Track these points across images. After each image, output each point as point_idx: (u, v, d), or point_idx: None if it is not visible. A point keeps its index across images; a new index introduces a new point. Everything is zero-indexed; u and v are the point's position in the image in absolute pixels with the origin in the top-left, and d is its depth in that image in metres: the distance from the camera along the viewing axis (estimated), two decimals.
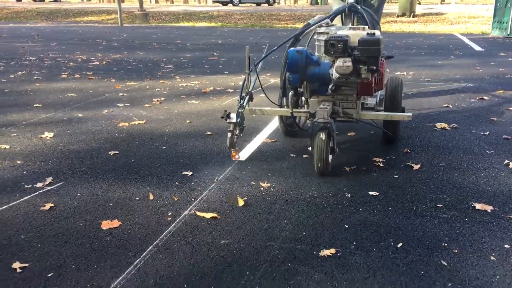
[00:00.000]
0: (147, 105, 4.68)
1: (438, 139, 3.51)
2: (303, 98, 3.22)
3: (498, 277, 1.82)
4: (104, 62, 7.65)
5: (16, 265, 1.92)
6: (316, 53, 3.25)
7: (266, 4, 30.29)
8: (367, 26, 3.01)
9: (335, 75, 2.80)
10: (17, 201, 2.50)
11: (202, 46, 10.19)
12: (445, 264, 1.91)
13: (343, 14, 3.57)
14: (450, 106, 4.51)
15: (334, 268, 1.88)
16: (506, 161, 3.02)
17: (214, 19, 20.38)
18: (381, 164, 3.00)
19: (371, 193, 2.58)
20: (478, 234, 2.14)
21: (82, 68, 7.06)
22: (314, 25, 3.20)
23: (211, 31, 14.76)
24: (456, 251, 2.00)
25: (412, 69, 6.88)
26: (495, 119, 4.04)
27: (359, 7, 3.41)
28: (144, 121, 4.09)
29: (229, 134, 2.91)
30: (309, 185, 2.70)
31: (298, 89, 3.17)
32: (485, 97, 4.87)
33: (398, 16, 18.59)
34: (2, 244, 2.08)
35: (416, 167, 2.95)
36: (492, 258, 1.95)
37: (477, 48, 9.49)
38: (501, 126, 3.81)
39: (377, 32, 2.79)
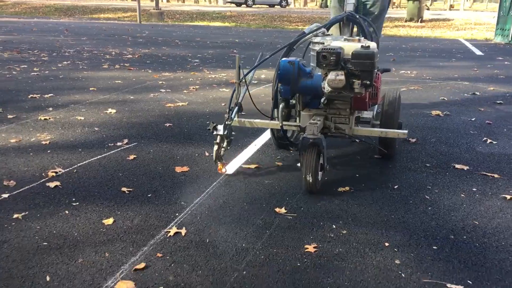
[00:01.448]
0: (185, 91, 5.46)
1: (432, 122, 4.27)
2: (296, 110, 3.06)
3: (464, 205, 2.58)
4: (136, 56, 8.46)
5: (124, 189, 2.70)
6: (312, 64, 3.23)
7: (279, 6, 31.13)
8: (363, 38, 2.93)
9: (327, 88, 2.69)
10: (108, 153, 3.29)
11: (221, 44, 10.97)
12: (428, 197, 2.67)
13: (341, 23, 3.44)
14: (446, 99, 5.27)
15: (348, 198, 2.66)
16: (485, 138, 3.78)
17: (227, 19, 21.18)
18: None
19: (376, 156, 3.34)
20: (454, 182, 2.91)
21: (118, 60, 7.87)
22: (309, 34, 3.10)
23: (226, 31, 15.56)
24: (437, 191, 2.77)
25: (416, 68, 7.64)
26: (482, 109, 4.79)
27: (357, 16, 3.31)
28: (186, 103, 4.87)
29: (215, 147, 2.82)
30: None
31: (291, 101, 3.05)
32: (477, 93, 5.62)
33: (406, 21, 19.32)
34: (107, 179, 2.86)
35: (412, 140, 3.72)
36: (462, 195, 2.71)
37: (478, 52, 10.22)
38: (486, 114, 4.57)
39: (373, 45, 2.69)
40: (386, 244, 2.17)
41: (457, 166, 3.17)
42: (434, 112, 4.62)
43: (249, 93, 3.07)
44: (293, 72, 2.80)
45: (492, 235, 2.28)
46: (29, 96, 4.95)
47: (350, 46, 2.68)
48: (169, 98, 5.10)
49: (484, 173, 3.05)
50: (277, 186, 2.81)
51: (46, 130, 3.80)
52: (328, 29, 3.26)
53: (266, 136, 3.77)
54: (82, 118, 4.20)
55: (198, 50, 9.72)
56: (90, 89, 5.45)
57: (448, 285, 1.87)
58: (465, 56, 9.43)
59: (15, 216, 2.36)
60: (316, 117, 2.87)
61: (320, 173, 2.73)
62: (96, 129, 3.88)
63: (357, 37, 2.85)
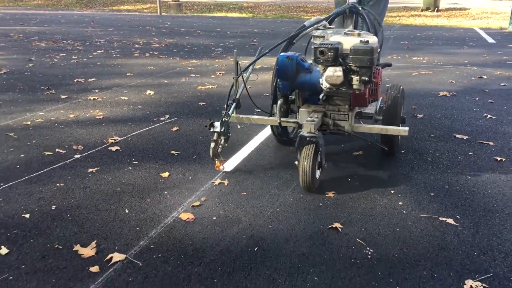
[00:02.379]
0: (213, 76, 5.98)
1: (439, 101, 4.72)
2: (296, 106, 3.01)
3: (460, 165, 3.06)
4: (163, 45, 9.00)
5: (173, 152, 3.23)
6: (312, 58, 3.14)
7: None
8: (363, 32, 2.85)
9: (324, 85, 2.62)
10: (154, 126, 3.82)
11: (241, 34, 11.44)
12: (429, 159, 3.15)
13: (344, 15, 3.35)
14: (454, 82, 5.69)
15: (361, 159, 3.15)
16: (485, 114, 4.22)
17: (244, 10, 21.58)
18: None
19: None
20: (453, 148, 3.37)
21: (147, 49, 8.41)
22: (310, 27, 3.00)
23: (244, 21, 16.00)
24: (438, 154, 3.24)
25: (428, 55, 8.03)
26: (487, 90, 5.21)
27: (360, 7, 3.19)
28: (216, 86, 5.39)
29: (212, 144, 2.79)
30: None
31: (290, 96, 3.03)
32: (483, 76, 6.02)
33: (422, 11, 19.52)
34: (157, 144, 3.39)
35: (420, 116, 4.18)
36: (459, 158, 3.18)
37: (490, 40, 10.52)
38: (489, 95, 4.99)
39: (372, 40, 2.62)
40: (392, 191, 2.66)
41: (458, 136, 3.63)
42: (441, 93, 5.06)
43: (246, 89, 3.00)
44: (291, 68, 2.75)
45: (481, 186, 2.75)
46: (75, 80, 5.51)
47: (349, 41, 2.60)
48: (199, 81, 5.62)
49: (481, 141, 3.51)
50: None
51: (97, 107, 4.36)
52: (330, 22, 3.20)
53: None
54: (126, 98, 4.74)
55: (219, 39, 10.21)
56: (127, 74, 6.00)
57: (440, 218, 2.36)
58: (477, 44, 9.76)
59: (90, 170, 2.91)
60: (314, 114, 2.81)
61: (318, 171, 2.68)
62: (140, 107, 4.42)
63: (357, 31, 2.76)
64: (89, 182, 2.74)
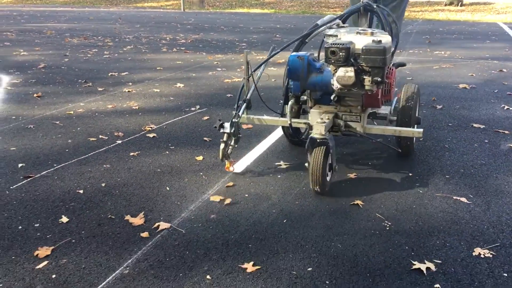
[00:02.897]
0: (238, 70, 6.23)
1: (458, 93, 4.87)
2: (308, 106, 2.98)
3: (475, 151, 3.24)
4: (189, 41, 9.30)
5: (205, 138, 3.50)
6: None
7: None
8: (377, 30, 2.81)
9: (336, 85, 2.58)
10: (186, 115, 4.10)
11: (263, 29, 11.67)
12: (447, 146, 3.34)
13: (358, 13, 3.26)
14: (474, 75, 5.82)
15: (382, 146, 3.36)
16: (503, 105, 4.37)
17: (266, 5, 21.78)
18: None
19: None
20: (470, 136, 3.55)
21: (174, 44, 8.72)
22: (323, 26, 2.95)
23: (266, 17, 16.21)
24: (455, 142, 3.43)
25: (450, 49, 8.12)
26: (506, 83, 5.34)
27: (374, 6, 3.11)
28: (242, 79, 5.63)
29: (222, 145, 2.74)
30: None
31: (302, 97, 2.98)
32: (503, 70, 6.13)
33: (445, 5, 19.40)
34: (190, 132, 3.66)
35: (439, 107, 4.35)
36: (475, 145, 3.36)
37: None
38: (508, 87, 5.12)
39: (385, 39, 2.58)
40: (410, 174, 2.87)
41: (475, 125, 3.80)
42: (461, 85, 5.20)
43: (257, 90, 2.97)
44: (302, 68, 2.71)
45: (495, 170, 2.93)
46: (109, 74, 5.84)
47: (361, 40, 2.55)
48: (225, 75, 5.88)
49: (497, 130, 3.68)
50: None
51: (132, 99, 4.66)
52: (344, 21, 3.15)
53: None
54: (158, 90, 5.03)
55: (243, 35, 10.46)
56: (157, 68, 6.30)
57: (454, 197, 2.56)
58: (500, 38, 9.77)
59: (131, 154, 3.19)
60: (325, 115, 2.75)
61: (329, 173, 2.63)
62: (171, 98, 4.70)
63: (371, 30, 2.71)
64: (132, 164, 3.02)
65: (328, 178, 2.62)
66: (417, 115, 3.12)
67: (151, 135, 3.56)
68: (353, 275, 1.90)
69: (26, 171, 2.88)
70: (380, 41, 2.48)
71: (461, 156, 3.16)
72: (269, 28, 11.96)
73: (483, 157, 3.13)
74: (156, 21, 13.93)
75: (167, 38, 9.66)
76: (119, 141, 3.43)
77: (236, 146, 2.85)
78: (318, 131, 2.55)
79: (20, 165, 2.97)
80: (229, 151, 2.81)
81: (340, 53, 2.45)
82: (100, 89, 5.06)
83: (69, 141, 3.42)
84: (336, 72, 2.56)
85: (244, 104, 2.91)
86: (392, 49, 2.80)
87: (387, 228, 2.25)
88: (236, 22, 13.87)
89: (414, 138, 3.11)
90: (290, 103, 2.91)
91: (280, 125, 3.10)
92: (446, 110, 4.28)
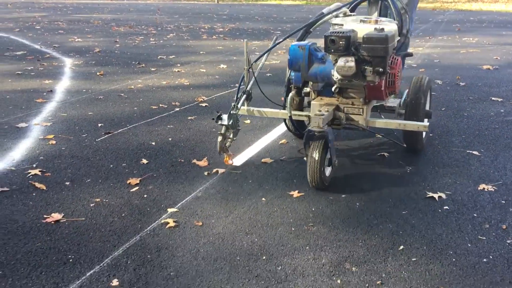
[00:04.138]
0: (275, 54, 6.72)
1: (482, 73, 5.23)
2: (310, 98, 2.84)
3: (491, 118, 3.67)
4: (226, 29, 9.85)
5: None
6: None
7: None
8: (383, 18, 2.74)
9: (336, 76, 2.47)
10: (230, 90, 4.63)
11: (296, 19, 12.10)
12: (465, 114, 3.77)
13: (368, 2, 3.17)
14: (499, 58, 6.14)
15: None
16: None
17: None
18: (440, 83, 4.81)
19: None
20: (487, 106, 3.96)
21: (213, 32, 9.28)
22: (328, 15, 2.84)
23: (298, 8, 16.61)
24: (473, 111, 3.85)
25: (478, 36, 8.39)
26: None
27: None
28: (279, 61, 6.13)
29: (220, 138, 2.64)
30: None
31: (305, 88, 2.85)
32: None
33: None
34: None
35: (462, 84, 4.75)
36: (492, 113, 3.78)
37: None
38: None
39: (389, 27, 2.49)
40: (430, 135, 3.31)
41: (493, 98, 4.20)
42: (485, 67, 5.56)
43: (256, 80, 2.90)
44: (303, 58, 2.59)
45: (506, 132, 3.35)
46: (158, 57, 6.44)
47: (363, 28, 2.46)
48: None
49: None
50: None
51: (182, 77, 5.22)
52: (353, 9, 3.06)
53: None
54: (204, 70, 5.58)
55: (277, 24, 10.93)
56: (200, 52, 6.87)
57: (467, 150, 3.01)
58: None
59: (189, 118, 3.74)
60: (325, 107, 2.63)
61: (328, 168, 2.55)
62: (217, 77, 5.24)
63: (375, 18, 2.64)
64: (191, 125, 3.57)
65: (327, 173, 2.52)
66: (428, 108, 2.98)
67: (203, 105, 4.11)
68: (378, 200, 2.39)
69: (105, 129, 3.46)
70: (382, 29, 2.39)
71: (477, 121, 3.58)
72: (302, 18, 12.38)
73: (497, 123, 3.54)
74: (193, 12, 14.54)
75: (206, 27, 10.23)
76: (177, 109, 3.99)
77: (235, 139, 2.76)
78: (316, 124, 2.42)
79: (99, 124, 3.56)
80: (227, 144, 2.72)
81: (340, 42, 2.34)
82: (152, 69, 5.65)
83: (135, 108, 4.00)
84: (337, 62, 2.45)
85: (244, 96, 2.83)
86: (398, 38, 2.65)
87: (408, 172, 2.71)
88: (269, 13, 14.33)
89: (424, 133, 2.95)
90: (290, 94, 2.79)
91: (281, 117, 2.97)
92: (468, 86, 4.67)
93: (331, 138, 2.46)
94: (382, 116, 2.97)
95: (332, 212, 2.28)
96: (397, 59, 2.62)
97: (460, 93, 4.41)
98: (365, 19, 2.63)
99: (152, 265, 1.87)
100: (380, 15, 3.16)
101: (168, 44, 7.73)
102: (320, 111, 2.58)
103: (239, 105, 2.78)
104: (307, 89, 2.85)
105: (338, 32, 2.36)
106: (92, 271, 1.83)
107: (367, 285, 1.75)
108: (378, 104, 2.94)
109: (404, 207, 2.31)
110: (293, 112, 2.82)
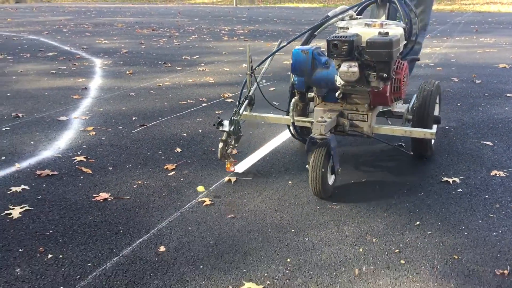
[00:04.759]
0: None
1: (497, 72, 5.37)
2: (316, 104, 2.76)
3: (505, 113, 3.82)
4: (246, 31, 10.10)
5: (274, 102, 4.24)
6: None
7: None
8: (391, 22, 2.68)
9: (339, 81, 2.42)
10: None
11: (314, 21, 12.26)
12: (481, 109, 3.93)
13: (376, 4, 3.07)
14: None
15: None
16: None
17: (315, 0, 22.31)
18: (456, 80, 4.97)
19: (447, 90, 4.58)
20: (502, 102, 4.12)
21: (233, 34, 9.54)
22: (333, 18, 2.77)
23: (316, 11, 16.80)
24: (488, 106, 4.01)
25: (495, 37, 8.49)
26: None
27: None
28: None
29: (221, 144, 2.58)
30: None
31: (309, 93, 2.77)
32: None
33: None
34: (260, 99, 4.42)
35: (478, 81, 4.91)
36: (506, 108, 3.93)
37: None
38: None
39: (394, 31, 2.43)
40: (446, 127, 3.49)
41: (508, 95, 4.34)
42: (501, 65, 5.69)
43: (258, 85, 2.84)
44: (306, 62, 2.55)
45: None
46: (183, 57, 6.71)
47: (367, 32, 2.40)
48: (284, 58, 6.60)
49: None
50: None
51: (207, 75, 5.47)
52: (360, 13, 3.01)
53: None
54: (227, 69, 5.83)
55: (295, 26, 11.14)
56: (223, 53, 7.12)
57: (481, 141, 3.18)
58: None
59: (216, 112, 3.98)
60: (328, 113, 2.59)
61: (332, 177, 2.48)
62: (240, 75, 5.48)
63: (380, 21, 2.55)
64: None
65: (330, 182, 2.46)
66: (437, 113, 2.92)
67: (229, 100, 4.35)
68: (396, 184, 2.58)
69: (140, 122, 3.72)
70: (387, 33, 2.31)
71: (492, 115, 3.74)
72: (319, 20, 12.56)
73: (511, 117, 3.70)
74: (212, 15, 14.86)
75: (226, 29, 10.50)
76: (205, 104, 4.24)
77: (236, 145, 2.72)
78: (318, 131, 2.37)
79: (134, 118, 3.82)
80: (229, 151, 2.66)
81: (343, 47, 2.28)
82: (178, 68, 5.92)
83: (165, 103, 4.26)
84: (340, 67, 2.39)
85: (246, 101, 2.77)
86: (405, 42, 2.60)
87: (424, 160, 2.90)
88: (287, 15, 14.55)
89: (433, 140, 2.89)
90: (293, 100, 2.70)
91: (284, 123, 2.89)
92: (484, 84, 4.82)
93: (333, 145, 2.40)
94: (390, 122, 2.89)
95: (354, 193, 2.48)
96: (403, 64, 2.55)
97: (475, 90, 4.56)
98: (370, 23, 2.55)
99: (193, 235, 2.10)
100: (388, 18, 3.06)
101: (191, 45, 8.01)
102: (322, 117, 2.49)
103: (240, 111, 2.71)
104: (311, 94, 2.77)
105: (340, 36, 2.30)
106: (141, 240, 2.07)
107: (386, 253, 1.95)
108: (386, 109, 2.86)
109: (421, 189, 2.50)
110: (296, 118, 2.73)
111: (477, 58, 6.37)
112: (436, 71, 5.54)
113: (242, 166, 2.88)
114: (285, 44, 2.87)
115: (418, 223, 2.18)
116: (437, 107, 2.97)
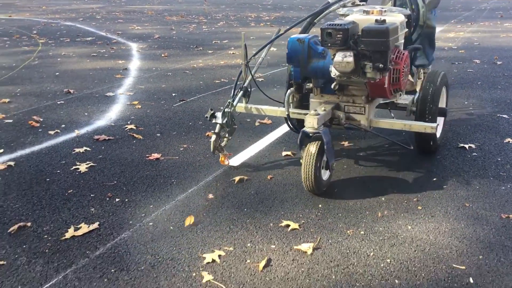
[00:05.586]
0: None
1: None
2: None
3: None
4: (272, 17, 10.35)
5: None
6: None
7: None
8: (394, 8, 2.55)
9: (334, 72, 2.29)
10: (282, 69, 5.14)
11: None
12: (499, 87, 4.13)
13: None
14: None
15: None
16: None
17: None
18: (478, 62, 5.16)
19: (468, 71, 4.78)
20: None
21: (260, 20, 9.80)
22: (334, 4, 2.66)
23: None
24: (507, 84, 4.20)
25: None
26: None
27: None
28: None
29: (213, 137, 2.51)
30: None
31: (307, 84, 2.62)
32: None
33: None
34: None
35: (499, 63, 5.10)
36: None
37: None
38: None
39: (392, 18, 2.30)
40: (465, 102, 3.72)
41: None
42: None
43: (252, 76, 2.77)
44: (302, 52, 2.44)
45: None
46: (213, 42, 7.03)
47: (364, 20, 2.27)
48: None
49: None
50: None
51: (237, 58, 5.78)
52: None
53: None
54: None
55: None
56: (251, 37, 7.41)
57: (498, 114, 3.41)
58: None
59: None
60: (322, 105, 2.46)
61: (327, 173, 2.37)
62: (269, 57, 5.70)
63: (379, 8, 2.41)
64: (252, 95, 4.10)
65: (325, 178, 2.36)
66: (443, 105, 2.80)
67: (260, 79, 4.65)
68: (416, 149, 2.85)
69: (179, 97, 4.06)
70: (383, 21, 2.17)
71: (510, 93, 3.96)
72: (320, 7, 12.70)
73: None
74: (238, 3, 15.10)
75: (252, 16, 10.76)
76: (226, 86, 4.55)
77: (230, 138, 2.64)
78: (310, 124, 2.26)
79: (173, 94, 4.17)
80: (223, 143, 2.60)
81: (337, 35, 2.15)
82: (209, 51, 6.24)
83: (201, 82, 4.59)
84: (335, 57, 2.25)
85: (240, 92, 2.70)
86: (405, 30, 2.45)
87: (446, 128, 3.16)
88: (313, 2, 14.69)
89: (439, 131, 2.77)
90: (289, 91, 2.61)
91: (279, 115, 2.76)
92: (504, 65, 5.00)
93: (327, 139, 2.25)
94: (392, 115, 2.77)
95: (378, 155, 2.77)
96: (403, 54, 2.34)
97: (496, 70, 4.75)
98: (368, 9, 2.40)
99: (236, 187, 2.43)
100: (394, 5, 2.94)
101: (219, 31, 8.31)
102: (315, 110, 2.37)
103: (234, 103, 2.64)
104: (310, 85, 2.63)
105: (335, 24, 2.17)
106: (192, 189, 2.41)
107: (405, 201, 2.24)
108: (389, 101, 2.70)
109: (439, 153, 2.77)
110: (291, 110, 2.62)
111: (500, 42, 6.50)
112: (459, 53, 5.72)
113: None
114: (282, 32, 2.75)
115: (435, 179, 2.45)
116: (444, 99, 2.84)
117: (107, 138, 3.10)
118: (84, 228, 2.05)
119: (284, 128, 3.22)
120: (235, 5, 13.95)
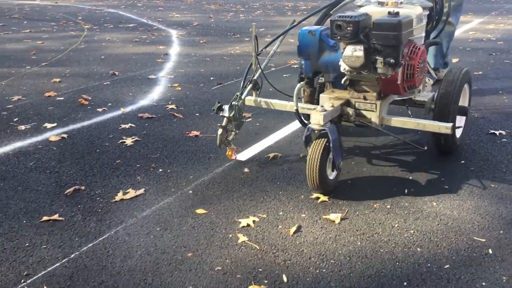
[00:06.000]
0: None
1: None
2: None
3: None
4: (309, 6, 10.40)
5: None
6: None
7: None
8: (414, 0, 2.37)
9: (343, 66, 2.22)
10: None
11: None
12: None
13: None
14: None
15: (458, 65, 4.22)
16: None
17: None
18: (494, 54, 5.12)
19: (505, 62, 4.75)
20: None
21: (297, 10, 9.88)
22: None
23: None
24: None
25: None
26: None
27: None
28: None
29: (220, 130, 2.46)
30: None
31: (321, 78, 2.56)
32: None
33: None
34: None
35: None
36: None
37: None
38: None
39: (407, 11, 2.20)
40: (500, 91, 3.73)
41: None
42: None
43: (261, 69, 2.70)
44: (313, 44, 2.38)
45: None
46: (249, 30, 7.16)
47: (378, 12, 2.17)
48: None
49: None
50: None
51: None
52: None
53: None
54: (292, 40, 6.23)
55: None
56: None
57: (506, 100, 3.43)
58: None
59: (284, 75, 4.42)
60: (330, 101, 2.36)
61: (333, 173, 2.28)
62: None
63: (399, 0, 2.29)
64: (286, 80, 4.26)
65: (331, 177, 2.26)
66: (466, 104, 2.70)
67: (295, 66, 4.77)
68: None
69: (217, 81, 4.24)
70: (397, 13, 2.07)
71: None
72: None
73: None
74: None
75: (289, 5, 10.84)
76: (273, 69, 4.69)
77: (238, 131, 2.57)
78: (316, 121, 2.17)
79: (211, 78, 4.35)
80: (230, 137, 2.53)
81: (347, 28, 2.05)
82: (246, 39, 6.40)
83: (237, 67, 4.75)
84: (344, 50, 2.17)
85: (250, 85, 2.63)
86: (422, 23, 2.36)
87: (475, 116, 3.20)
88: None
89: (460, 130, 2.63)
90: (298, 85, 2.52)
91: (289, 110, 2.67)
92: None
93: (333, 137, 2.15)
94: (410, 112, 2.62)
95: (409, 139, 2.87)
96: (419, 48, 2.23)
97: None
98: (384, 1, 2.29)
99: (270, 163, 2.59)
100: None
101: (256, 19, 8.44)
102: (322, 106, 2.25)
103: (242, 96, 2.58)
104: (322, 80, 2.57)
105: (346, 16, 2.06)
106: (228, 164, 2.58)
107: (432, 180, 2.35)
108: (406, 98, 2.56)
109: (468, 138, 2.84)
110: (300, 105, 2.50)
111: None
112: (497, 45, 5.66)
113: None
114: (296, 23, 2.70)
115: (463, 161, 2.54)
116: (466, 97, 2.72)
117: (150, 116, 3.31)
118: (132, 193, 2.26)
119: None
120: None
